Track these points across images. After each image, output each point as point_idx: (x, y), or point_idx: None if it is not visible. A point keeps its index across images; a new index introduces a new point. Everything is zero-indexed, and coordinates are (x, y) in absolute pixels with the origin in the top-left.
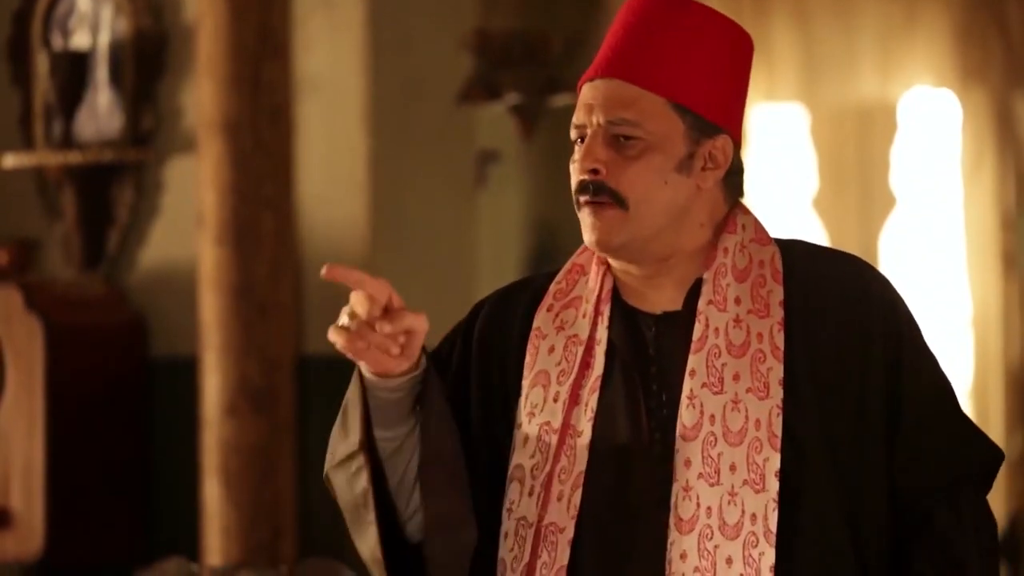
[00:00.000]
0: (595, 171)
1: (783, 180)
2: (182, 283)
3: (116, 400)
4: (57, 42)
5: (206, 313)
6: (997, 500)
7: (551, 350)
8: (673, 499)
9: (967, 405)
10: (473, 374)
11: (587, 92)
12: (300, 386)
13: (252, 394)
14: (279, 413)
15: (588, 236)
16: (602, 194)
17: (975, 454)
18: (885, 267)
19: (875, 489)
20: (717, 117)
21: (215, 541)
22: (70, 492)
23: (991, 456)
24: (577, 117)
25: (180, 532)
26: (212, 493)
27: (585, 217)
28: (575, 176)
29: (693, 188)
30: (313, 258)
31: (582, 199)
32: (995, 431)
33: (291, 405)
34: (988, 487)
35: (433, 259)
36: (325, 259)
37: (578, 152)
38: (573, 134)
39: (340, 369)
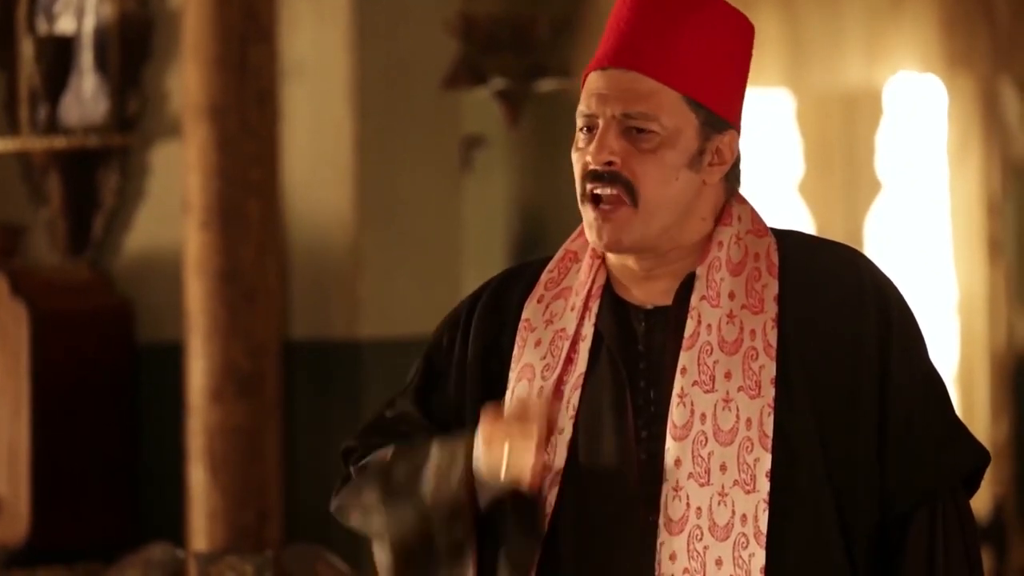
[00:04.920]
0: (609, 163)
1: (769, 165)
2: (168, 268)
3: (102, 385)
4: (42, 27)
5: (192, 298)
6: (982, 487)
7: (538, 343)
8: (663, 499)
9: (953, 392)
10: (470, 368)
11: (598, 81)
12: (286, 371)
13: (238, 379)
14: (265, 398)
15: (594, 237)
16: (616, 183)
17: (960, 460)
18: (870, 252)
19: (867, 488)
20: (727, 112)
21: (201, 526)
22: (56, 477)
23: (976, 461)
24: (587, 105)
25: (166, 517)
26: (198, 478)
27: (591, 216)
28: (583, 165)
29: (699, 183)
30: (299, 242)
31: (591, 187)
32: (980, 418)
33: (277, 390)
34: (974, 490)
35: (419, 243)
36: (311, 243)
37: (583, 140)
38: (580, 121)
39: (325, 354)
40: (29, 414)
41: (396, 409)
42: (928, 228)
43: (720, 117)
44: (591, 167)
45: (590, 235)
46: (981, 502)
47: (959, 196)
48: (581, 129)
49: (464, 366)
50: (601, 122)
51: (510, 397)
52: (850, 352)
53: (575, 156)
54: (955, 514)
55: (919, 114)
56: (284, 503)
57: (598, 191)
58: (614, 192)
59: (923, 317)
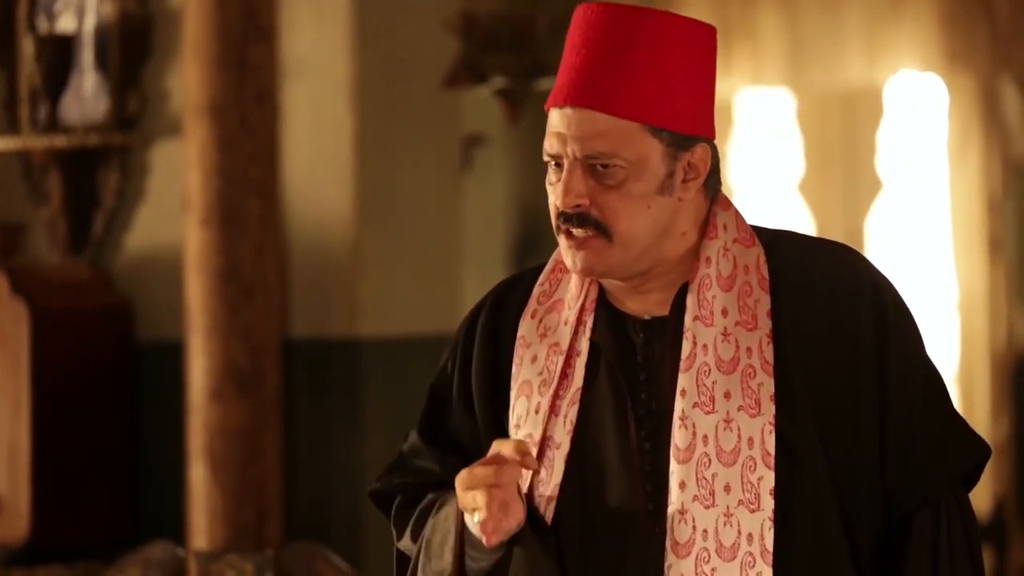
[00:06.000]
0: (578, 205)
1: (769, 164)
2: (168, 266)
3: (102, 384)
4: (43, 26)
5: (192, 296)
6: (983, 485)
7: (534, 359)
8: (669, 522)
9: (953, 390)
10: (477, 389)
11: (557, 120)
12: (286, 369)
13: (238, 377)
14: (265, 396)
15: (572, 265)
16: (586, 225)
17: (961, 456)
18: (871, 251)
19: (870, 490)
20: (692, 127)
21: (201, 524)
22: (56, 476)
23: (976, 456)
24: (550, 145)
25: (166, 515)
26: (198, 476)
27: (565, 246)
28: (554, 205)
29: (675, 202)
30: (299, 241)
31: (566, 227)
32: (980, 416)
33: (277, 388)
34: (973, 484)
35: (419, 242)
36: (311, 242)
37: (554, 174)
38: (546, 158)
39: (325, 353)
40: (29, 413)
41: (409, 442)
42: (928, 227)
43: (685, 135)
44: (561, 209)
45: (567, 261)
46: (981, 501)
47: (959, 194)
48: (548, 164)
49: (469, 390)
50: (565, 162)
51: (511, 415)
52: (848, 353)
53: (548, 189)
54: (958, 513)
55: (919, 113)
56: (284, 502)
57: (571, 230)
58: (587, 232)
59: (923, 316)
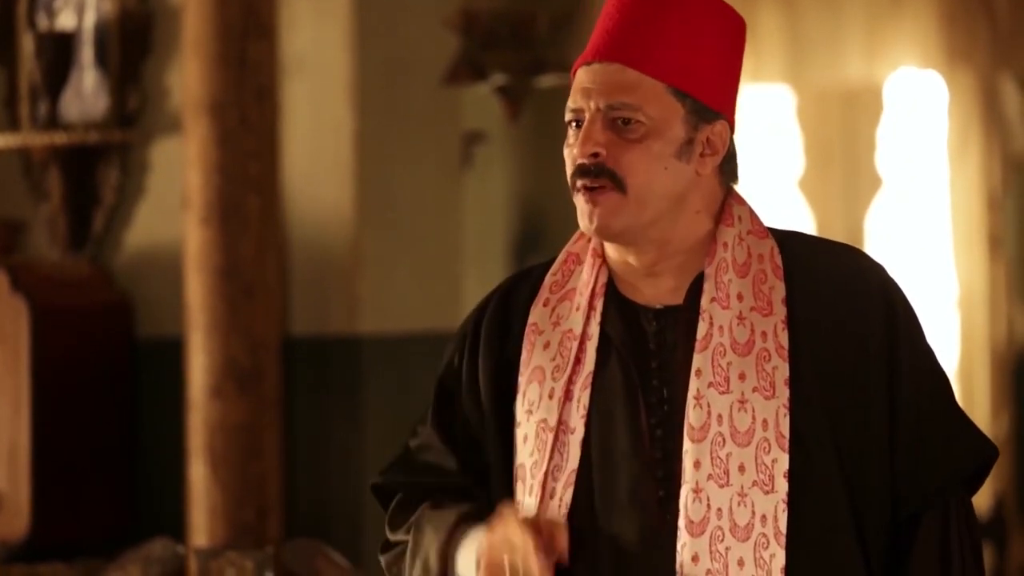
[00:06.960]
0: (595, 155)
1: (769, 161)
2: (168, 264)
3: (102, 381)
4: (43, 23)
5: (192, 294)
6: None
7: (546, 345)
8: (683, 501)
9: (953, 388)
10: (484, 381)
11: (584, 76)
12: (286, 366)
13: (238, 375)
14: (265, 393)
15: (585, 222)
16: (602, 176)
17: (967, 455)
18: (871, 248)
19: (879, 486)
20: (715, 102)
21: (201, 521)
22: (56, 473)
23: (983, 455)
24: (574, 101)
25: (166, 513)
26: (198, 474)
27: (582, 203)
28: (572, 160)
29: (692, 174)
30: (299, 238)
31: (580, 182)
32: (981, 413)
33: (277, 385)
34: (980, 484)
35: (419, 239)
36: (310, 239)
37: (573, 136)
38: (568, 116)
39: (325, 350)
40: (29, 410)
41: (419, 438)
42: (928, 224)
43: (707, 107)
44: (578, 161)
45: (582, 222)
46: (981, 498)
47: (959, 192)
48: (570, 123)
49: (477, 381)
50: (587, 116)
51: (521, 401)
52: (858, 350)
53: (566, 152)
54: (964, 512)
55: (919, 110)
56: (284, 499)
57: (587, 184)
58: (601, 184)
59: (923, 313)
